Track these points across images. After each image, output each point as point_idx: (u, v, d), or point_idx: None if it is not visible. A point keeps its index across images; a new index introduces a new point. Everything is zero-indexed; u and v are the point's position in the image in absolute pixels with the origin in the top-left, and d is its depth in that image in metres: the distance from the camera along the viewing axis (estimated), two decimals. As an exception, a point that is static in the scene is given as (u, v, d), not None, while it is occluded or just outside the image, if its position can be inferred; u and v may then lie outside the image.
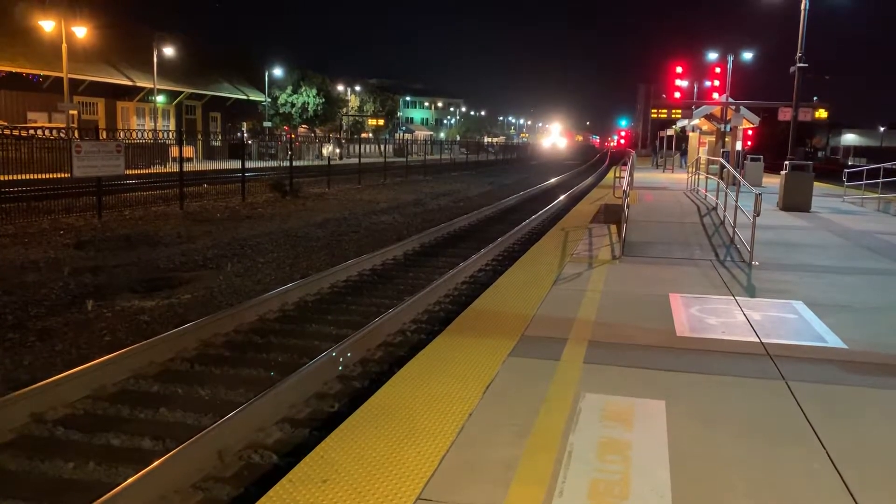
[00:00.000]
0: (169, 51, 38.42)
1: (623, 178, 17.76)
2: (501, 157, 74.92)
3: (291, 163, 27.10)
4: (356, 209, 21.01)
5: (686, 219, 14.10)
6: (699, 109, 28.28)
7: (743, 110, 25.27)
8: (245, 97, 48.84)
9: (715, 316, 6.58)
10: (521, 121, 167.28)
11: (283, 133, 54.21)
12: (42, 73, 32.32)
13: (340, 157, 50.92)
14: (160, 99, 40.24)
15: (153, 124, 39.76)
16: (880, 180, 18.20)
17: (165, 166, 29.29)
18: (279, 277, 10.66)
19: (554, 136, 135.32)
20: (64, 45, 28.26)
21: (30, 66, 31.85)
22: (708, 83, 33.40)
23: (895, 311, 7.00)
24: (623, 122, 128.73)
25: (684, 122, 33.32)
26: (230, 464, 4.68)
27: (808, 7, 15.65)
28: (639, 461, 3.61)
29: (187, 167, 21.93)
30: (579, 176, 47.34)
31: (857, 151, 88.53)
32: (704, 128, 28.93)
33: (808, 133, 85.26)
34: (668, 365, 5.15)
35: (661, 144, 43.52)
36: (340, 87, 66.21)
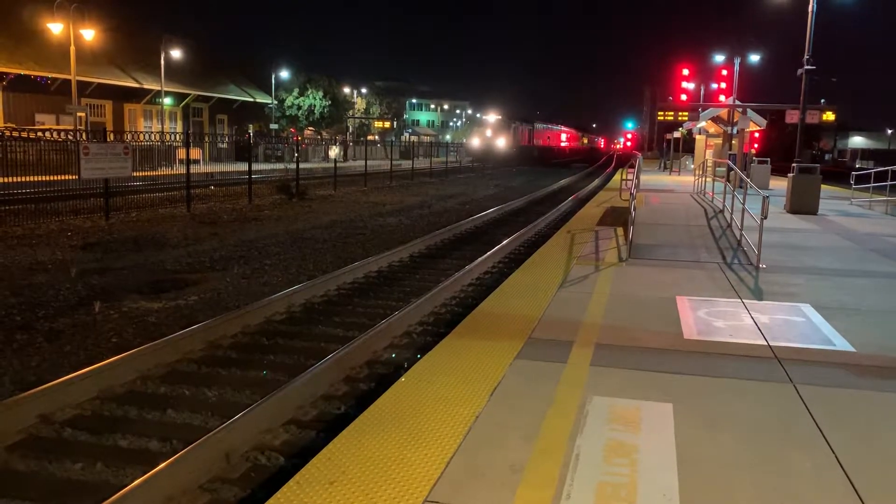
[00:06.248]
0: (176, 53, 38.61)
1: (629, 180, 17.76)
2: (507, 161, 74.78)
3: (298, 165, 27.15)
4: (362, 211, 21.03)
5: (693, 221, 14.06)
6: (706, 112, 28.22)
7: (750, 113, 25.19)
8: (252, 99, 49.00)
9: (722, 319, 6.56)
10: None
11: (290, 135, 54.35)
12: (50, 75, 32.51)
13: (345, 159, 50.99)
14: (167, 101, 40.39)
15: (160, 126, 39.92)
16: (888, 183, 18.10)
17: (172, 168, 29.42)
18: (286, 279, 10.68)
19: (490, 131, 77.69)
20: (72, 48, 28.43)
21: (38, 68, 32.03)
22: (715, 85, 33.41)
23: (904, 314, 6.97)
24: (629, 125, 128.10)
25: (690, 125, 33.22)
26: (237, 465, 4.69)
27: (815, 9, 15.61)
28: (646, 464, 3.60)
29: (194, 169, 22.03)
30: (584, 179, 47.29)
31: (865, 154, 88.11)
32: (711, 130, 28.84)
33: (816, 135, 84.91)
34: (675, 368, 5.14)
35: (667, 147, 43.46)
36: (347, 90, 66.32)
